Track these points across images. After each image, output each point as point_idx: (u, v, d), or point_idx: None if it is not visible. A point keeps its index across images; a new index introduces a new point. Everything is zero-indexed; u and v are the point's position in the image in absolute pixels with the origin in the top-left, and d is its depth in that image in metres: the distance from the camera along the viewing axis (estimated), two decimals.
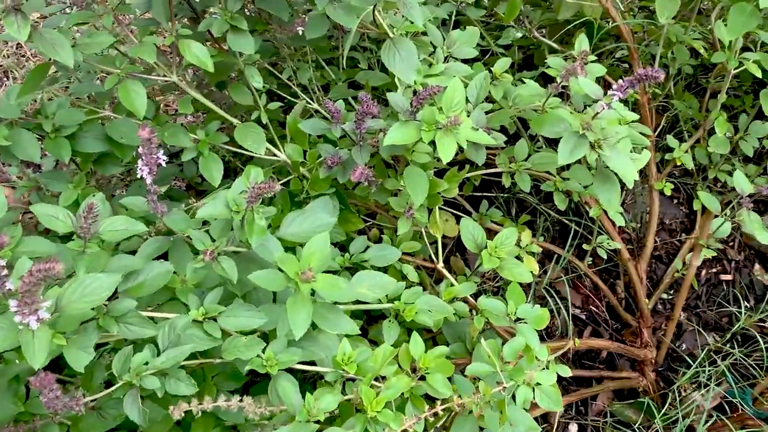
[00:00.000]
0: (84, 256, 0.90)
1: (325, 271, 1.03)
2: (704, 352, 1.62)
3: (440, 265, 1.36)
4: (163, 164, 0.97)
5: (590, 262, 1.75)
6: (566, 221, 1.86)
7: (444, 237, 1.70)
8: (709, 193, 1.95)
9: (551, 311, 1.82)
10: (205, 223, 1.08)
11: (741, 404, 1.63)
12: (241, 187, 0.99)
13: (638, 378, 1.71)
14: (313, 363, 1.07)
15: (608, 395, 1.74)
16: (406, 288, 1.26)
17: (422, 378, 1.10)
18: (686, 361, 1.77)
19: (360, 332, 1.46)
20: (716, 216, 1.43)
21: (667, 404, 1.58)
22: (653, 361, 1.71)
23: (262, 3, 1.23)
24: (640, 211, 1.94)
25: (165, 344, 0.94)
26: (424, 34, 1.37)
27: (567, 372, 1.24)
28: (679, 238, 1.95)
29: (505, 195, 1.91)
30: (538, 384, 1.09)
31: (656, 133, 1.81)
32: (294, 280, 0.95)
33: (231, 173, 1.84)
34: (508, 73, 1.42)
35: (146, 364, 0.92)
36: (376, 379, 1.06)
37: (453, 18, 1.79)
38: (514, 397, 1.10)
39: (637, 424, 1.66)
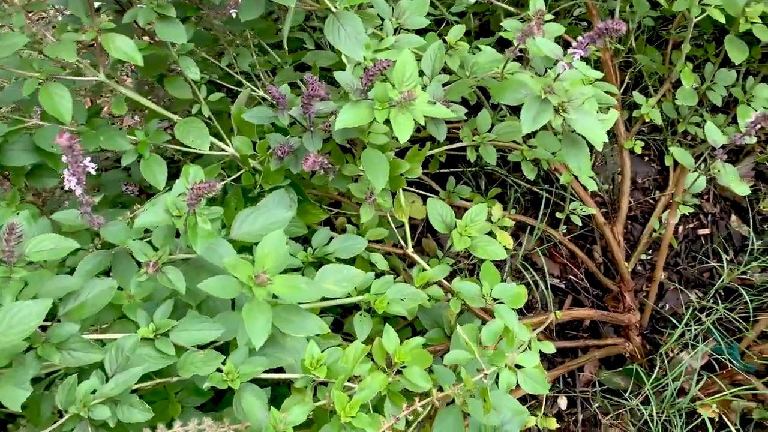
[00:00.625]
0: (9, 282, 0.81)
1: (287, 269, 0.96)
2: (689, 312, 1.58)
3: (410, 250, 1.29)
4: (92, 171, 0.88)
5: (565, 230, 1.70)
6: (537, 190, 1.80)
7: (414, 219, 1.63)
8: (680, 147, 1.90)
9: (529, 284, 1.77)
10: (148, 231, 1.00)
11: (729, 360, 1.60)
12: (181, 189, 0.90)
13: (624, 343, 1.66)
14: (281, 369, 1.00)
15: (595, 364, 1.70)
16: (376, 278, 1.19)
17: (399, 372, 1.04)
18: (671, 321, 1.73)
19: (333, 327, 1.40)
20: (690, 171, 1.38)
21: (657, 368, 1.54)
22: (638, 324, 1.67)
23: None
24: (611, 172, 1.88)
25: (113, 368, 0.86)
26: (370, 6, 1.28)
27: (551, 349, 1.18)
28: (653, 197, 1.91)
29: (473, 169, 1.84)
30: (520, 367, 1.03)
31: (621, 90, 1.75)
32: (248, 285, 0.87)
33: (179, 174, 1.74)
34: (463, 41, 1.35)
35: (94, 392, 0.83)
36: (350, 380, 1.00)
37: None
38: (497, 382, 1.04)
39: (627, 391, 1.63)
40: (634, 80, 1.96)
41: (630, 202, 1.89)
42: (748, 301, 1.59)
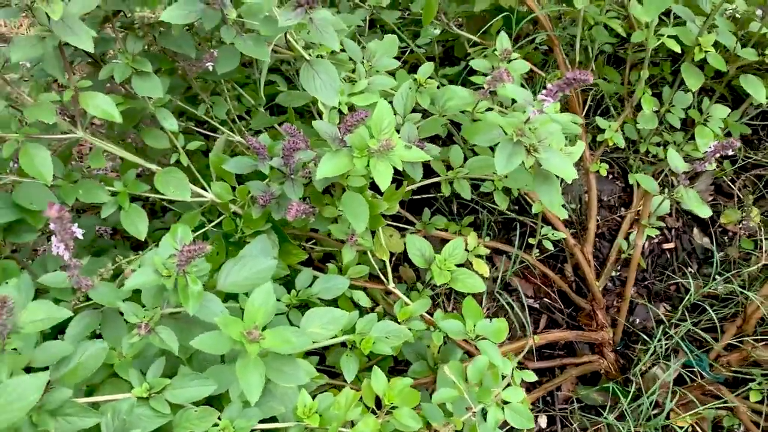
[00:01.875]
0: (4, 356, 0.81)
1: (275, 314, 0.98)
2: (660, 329, 1.64)
3: (391, 286, 1.32)
4: (80, 237, 0.89)
5: (537, 253, 1.75)
6: (509, 214, 1.85)
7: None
8: (642, 164, 1.98)
9: (504, 306, 1.81)
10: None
11: (699, 372, 1.66)
12: (168, 250, 0.92)
13: (599, 360, 1.72)
14: (274, 419, 1.01)
15: (572, 381, 1.75)
16: (360, 315, 1.22)
17: (389, 412, 1.06)
18: (641, 336, 1.79)
19: (318, 361, 1.42)
20: (655, 195, 1.44)
21: (633, 384, 1.59)
22: (611, 341, 1.72)
23: (166, 41, 1.14)
24: (577, 193, 1.94)
25: None
26: (342, 50, 1.31)
27: (531, 377, 1.22)
28: (619, 214, 1.97)
29: (446, 195, 1.88)
30: (506, 402, 1.06)
31: (583, 113, 1.81)
32: (240, 342, 0.89)
33: (159, 212, 1.75)
34: (433, 79, 1.38)
35: None
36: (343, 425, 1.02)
37: (368, 21, 1.74)
38: (484, 417, 1.08)
39: (605, 407, 1.68)
40: (595, 102, 2.03)
41: (597, 221, 1.96)
42: (713, 317, 1.66)
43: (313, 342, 1.10)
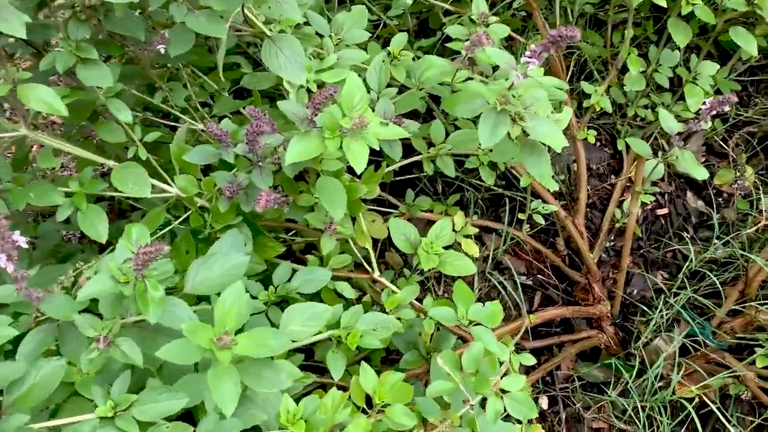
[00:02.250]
0: None
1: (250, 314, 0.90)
2: (660, 299, 1.57)
3: (376, 274, 1.24)
4: (24, 245, 0.80)
5: (527, 228, 1.67)
6: (497, 189, 1.77)
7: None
8: (630, 129, 1.90)
9: (496, 286, 1.74)
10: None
11: (702, 341, 1.60)
12: (124, 253, 0.83)
13: (598, 335, 1.65)
14: (256, 428, 0.93)
15: (572, 359, 1.68)
16: (344, 308, 1.14)
17: (381, 410, 0.99)
18: (640, 306, 1.73)
19: (303, 358, 1.34)
20: (648, 159, 1.36)
21: (635, 360, 1.53)
22: (609, 314, 1.66)
23: (112, 25, 1.04)
24: (565, 163, 1.87)
25: None
26: (307, 23, 1.22)
27: (530, 360, 1.15)
28: (610, 182, 1.90)
29: (429, 175, 1.79)
30: (505, 391, 0.99)
31: (567, 79, 1.73)
32: (210, 349, 0.80)
33: (128, 212, 1.65)
34: (407, 51, 1.30)
35: None
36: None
37: None
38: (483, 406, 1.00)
39: (607, 383, 1.62)
40: (579, 66, 1.95)
41: (587, 190, 1.88)
42: (715, 282, 1.60)
43: (294, 341, 1.02)
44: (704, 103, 1.20)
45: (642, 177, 1.41)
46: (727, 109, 1.18)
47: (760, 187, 1.83)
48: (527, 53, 0.92)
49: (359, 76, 1.29)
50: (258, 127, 0.95)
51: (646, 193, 1.42)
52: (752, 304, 1.55)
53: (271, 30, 1.11)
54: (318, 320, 1.04)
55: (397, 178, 1.75)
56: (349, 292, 1.23)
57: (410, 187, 1.69)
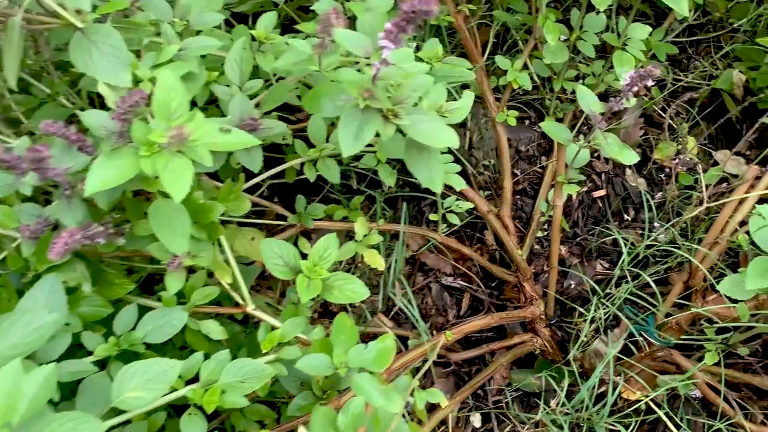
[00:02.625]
0: None
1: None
2: (597, 296, 1.40)
3: (250, 308, 1.03)
4: None
5: (444, 228, 1.47)
6: (404, 190, 1.57)
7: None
8: (560, 104, 1.71)
9: (422, 288, 1.55)
10: None
11: (645, 339, 1.44)
12: None
13: (532, 339, 1.48)
14: None
15: (506, 367, 1.51)
16: (206, 357, 0.93)
17: None
18: (579, 301, 1.56)
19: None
20: (568, 145, 1.18)
21: (576, 365, 1.36)
22: (543, 315, 1.48)
23: None
24: (489, 147, 1.67)
25: None
26: (140, 9, 0.99)
27: (438, 398, 0.97)
28: (541, 164, 1.72)
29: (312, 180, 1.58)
30: None
31: (486, 53, 1.53)
32: None
33: None
34: (276, 34, 1.08)
35: None
36: None
37: None
38: None
39: (551, 391, 1.45)
40: (501, 38, 1.75)
41: (516, 175, 1.70)
42: (654, 277, 1.43)
43: (128, 411, 0.81)
44: (625, 80, 1.01)
45: (564, 165, 1.22)
46: (651, 83, 0.99)
47: (704, 159, 1.67)
48: (381, 35, 0.71)
49: (217, 67, 1.08)
50: (37, 152, 0.72)
51: (571, 183, 1.23)
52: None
53: (83, 21, 0.88)
54: (164, 379, 0.84)
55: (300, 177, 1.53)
56: (217, 333, 1.02)
57: (307, 191, 1.48)
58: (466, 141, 1.67)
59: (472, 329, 1.34)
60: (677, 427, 1.39)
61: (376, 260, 1.21)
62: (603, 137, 1.11)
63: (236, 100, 0.96)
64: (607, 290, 1.56)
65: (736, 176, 1.68)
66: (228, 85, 1.03)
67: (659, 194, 1.68)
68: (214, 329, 1.02)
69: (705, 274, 1.37)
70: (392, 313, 1.54)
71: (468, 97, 1.06)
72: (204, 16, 1.04)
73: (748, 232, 1.40)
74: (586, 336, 1.43)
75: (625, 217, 1.67)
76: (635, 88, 0.99)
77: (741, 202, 1.33)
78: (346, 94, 0.81)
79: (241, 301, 1.03)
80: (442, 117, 1.00)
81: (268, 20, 1.08)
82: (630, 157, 1.14)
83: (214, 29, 1.08)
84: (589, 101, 1.11)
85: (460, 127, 1.68)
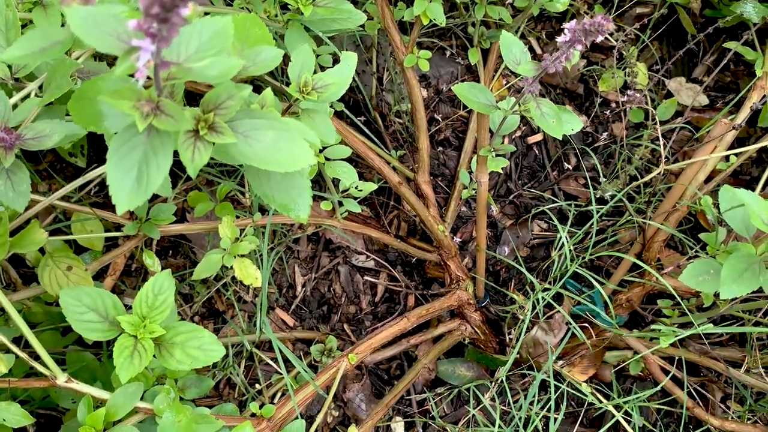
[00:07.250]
0: None
1: None
2: (533, 285, 1.15)
3: (61, 379, 0.75)
4: None
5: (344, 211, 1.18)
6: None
7: None
8: (487, 30, 1.40)
9: (328, 273, 1.29)
10: None
11: (591, 316, 1.22)
12: None
13: (460, 327, 1.25)
14: None
15: (431, 360, 1.28)
16: None
17: None
18: (514, 270, 1.33)
19: None
20: (491, 113, 0.89)
21: (513, 353, 1.13)
22: (471, 299, 1.24)
23: None
24: (405, 90, 1.36)
25: None
26: None
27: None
28: (467, 108, 1.42)
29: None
30: None
31: None
32: None
33: None
34: None
35: None
36: None
37: None
38: None
39: (473, 381, 1.23)
40: None
41: (437, 122, 1.40)
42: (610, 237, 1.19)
43: None
44: (564, 33, 0.71)
45: (487, 135, 0.93)
46: (600, 39, 0.70)
47: (656, 89, 1.41)
48: (130, 24, 0.39)
49: None
50: None
51: (498, 156, 0.95)
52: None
53: None
54: None
55: None
56: (18, 419, 0.73)
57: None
58: (373, 83, 1.35)
59: (384, 340, 1.08)
60: (628, 415, 1.20)
61: (248, 274, 0.92)
62: (536, 104, 0.83)
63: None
64: (547, 260, 1.33)
65: (694, 109, 1.42)
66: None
67: (605, 134, 1.42)
68: (17, 415, 0.73)
69: (660, 245, 1.14)
70: (293, 305, 1.28)
71: (348, 60, 0.76)
72: None
73: (712, 192, 1.17)
74: (523, 318, 1.21)
75: (566, 165, 1.41)
76: (578, 46, 0.70)
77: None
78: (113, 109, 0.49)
79: (45, 372, 0.74)
80: (308, 99, 0.70)
81: None
82: (572, 124, 0.87)
83: None
84: (515, 55, 0.82)
85: (367, 64, 1.36)
